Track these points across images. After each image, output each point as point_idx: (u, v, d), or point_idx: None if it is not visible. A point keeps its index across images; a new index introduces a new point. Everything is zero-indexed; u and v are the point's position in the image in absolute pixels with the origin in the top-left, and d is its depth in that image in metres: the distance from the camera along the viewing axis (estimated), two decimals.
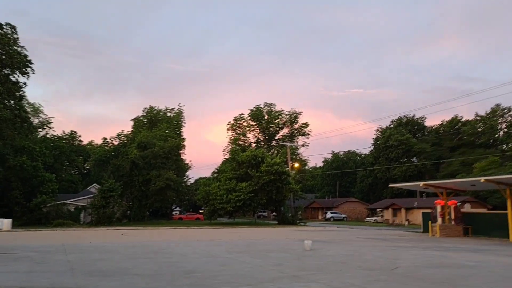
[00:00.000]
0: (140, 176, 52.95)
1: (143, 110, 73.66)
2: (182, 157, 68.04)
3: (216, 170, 57.18)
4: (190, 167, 72.73)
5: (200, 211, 67.72)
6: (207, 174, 71.74)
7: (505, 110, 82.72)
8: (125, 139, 60.44)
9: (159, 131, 62.71)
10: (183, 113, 75.09)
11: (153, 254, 15.74)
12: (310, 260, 14.28)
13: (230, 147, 71.07)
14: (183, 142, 67.42)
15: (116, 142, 59.97)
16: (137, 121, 71.56)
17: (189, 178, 74.17)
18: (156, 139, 58.09)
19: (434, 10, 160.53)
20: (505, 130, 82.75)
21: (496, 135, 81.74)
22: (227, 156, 67.31)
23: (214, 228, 40.95)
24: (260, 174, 46.74)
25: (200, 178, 77.37)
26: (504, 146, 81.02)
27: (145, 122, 72.13)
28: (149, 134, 59.67)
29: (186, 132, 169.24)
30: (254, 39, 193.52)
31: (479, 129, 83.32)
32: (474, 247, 20.39)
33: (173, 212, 77.74)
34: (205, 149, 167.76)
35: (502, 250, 19.07)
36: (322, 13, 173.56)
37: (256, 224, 50.13)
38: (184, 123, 74.47)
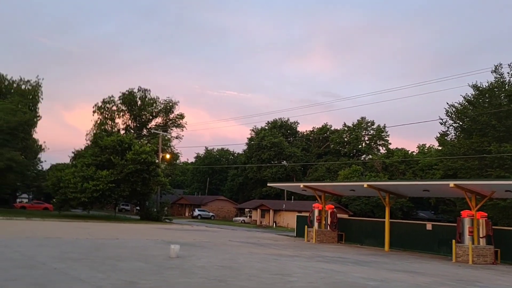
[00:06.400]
0: None
1: None
2: (34, 136, 58.46)
3: (73, 154, 49.56)
4: (43, 149, 62.68)
5: (53, 200, 58.78)
6: (67, 161, 62.38)
7: (369, 123, 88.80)
8: None
9: (8, 104, 52.48)
10: (41, 87, 64.47)
11: None
12: (176, 275, 10.46)
13: (94, 131, 63.05)
14: (37, 119, 57.89)
15: None
16: None
17: (41, 162, 64.08)
18: (2, 112, 48.32)
19: (306, 28, 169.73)
20: (367, 142, 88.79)
21: (359, 146, 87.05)
22: (90, 142, 59.61)
23: (62, 221, 34.35)
24: (125, 162, 41.17)
25: (58, 164, 67.72)
26: (364, 157, 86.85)
27: None
28: None
29: (46, 112, 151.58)
30: (133, 26, 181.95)
31: (345, 139, 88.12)
32: (357, 258, 18.61)
33: (18, 200, 66.73)
34: (68, 135, 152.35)
35: (387, 262, 17.52)
36: (206, 12, 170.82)
37: (115, 219, 44.28)
38: (42, 98, 64.06)
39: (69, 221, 35.15)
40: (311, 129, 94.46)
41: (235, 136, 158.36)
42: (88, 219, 39.78)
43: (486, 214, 20.57)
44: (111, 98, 67.06)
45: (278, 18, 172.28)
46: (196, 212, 69.54)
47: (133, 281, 9.18)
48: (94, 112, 66.27)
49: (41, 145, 61.54)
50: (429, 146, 78.02)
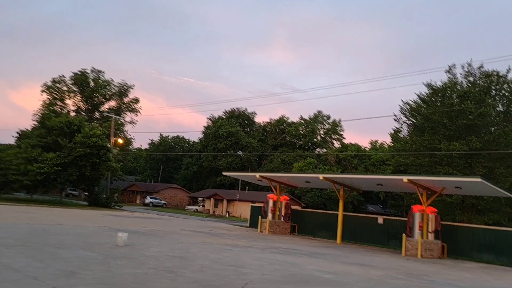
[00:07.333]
0: None
1: None
2: None
3: (18, 135, 46.72)
4: None
5: None
6: (11, 142, 58.78)
7: (325, 117, 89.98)
8: None
9: None
10: None
11: None
12: (123, 265, 9.76)
13: (42, 112, 59.77)
14: None
15: None
16: None
17: None
18: None
19: (268, 20, 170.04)
20: (323, 135, 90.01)
21: (315, 139, 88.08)
22: (37, 122, 56.50)
23: (0, 204, 32.28)
24: (73, 145, 39.22)
25: (1, 145, 63.85)
26: (318, 150, 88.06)
27: None
28: None
29: None
30: (88, 5, 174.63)
31: (301, 132, 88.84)
32: (310, 250, 18.51)
33: None
34: (13, 115, 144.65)
35: (340, 255, 17.51)
36: None
37: (61, 204, 42.25)
38: None
39: (9, 204, 33.10)
40: (268, 121, 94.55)
41: (191, 124, 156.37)
42: (30, 203, 37.66)
43: (436, 209, 21.09)
44: (62, 78, 63.98)
45: (240, 7, 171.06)
46: (148, 200, 67.93)
47: (74, 271, 8.41)
48: (42, 91, 63.02)
49: None
50: (381, 142, 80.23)
